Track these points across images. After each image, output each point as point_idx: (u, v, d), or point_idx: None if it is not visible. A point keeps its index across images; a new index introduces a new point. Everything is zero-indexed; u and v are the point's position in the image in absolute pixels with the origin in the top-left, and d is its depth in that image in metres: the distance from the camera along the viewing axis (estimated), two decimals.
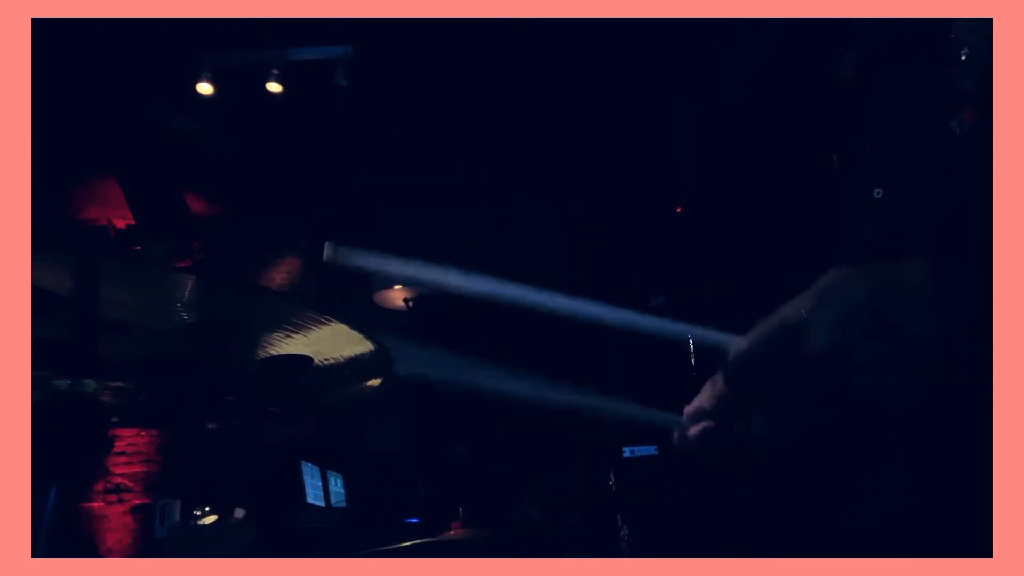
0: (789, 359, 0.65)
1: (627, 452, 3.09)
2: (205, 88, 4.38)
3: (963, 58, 0.75)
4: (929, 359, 0.61)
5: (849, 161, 0.90)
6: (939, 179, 0.77)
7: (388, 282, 4.24)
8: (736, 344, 0.69)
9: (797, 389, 0.69)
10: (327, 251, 0.64)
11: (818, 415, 0.71)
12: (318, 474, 3.97)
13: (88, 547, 4.36)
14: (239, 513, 3.88)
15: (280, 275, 5.29)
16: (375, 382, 1.10)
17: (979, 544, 0.60)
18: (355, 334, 0.98)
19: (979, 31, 0.75)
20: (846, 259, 0.88)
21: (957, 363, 0.61)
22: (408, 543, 2.37)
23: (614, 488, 2.87)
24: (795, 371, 0.66)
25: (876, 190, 0.84)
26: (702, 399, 0.80)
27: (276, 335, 0.99)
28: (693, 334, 0.73)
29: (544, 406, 0.81)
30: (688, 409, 0.81)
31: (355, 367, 1.05)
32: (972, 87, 0.74)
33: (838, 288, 0.65)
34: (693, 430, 0.79)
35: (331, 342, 1.00)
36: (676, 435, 0.81)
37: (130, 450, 4.78)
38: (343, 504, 4.18)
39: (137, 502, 4.72)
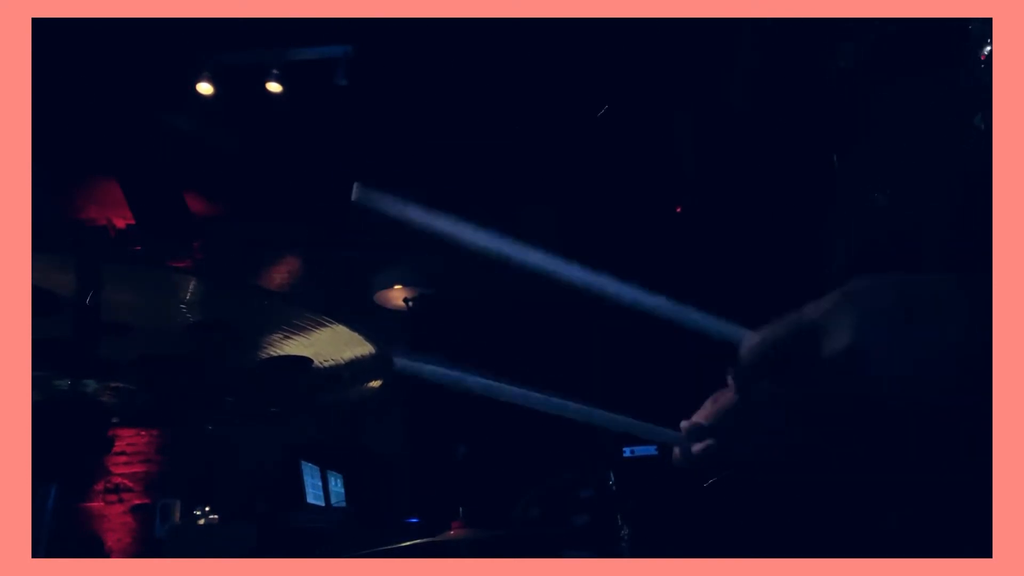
0: (804, 361, 0.62)
1: (627, 452, 3.09)
2: (205, 88, 4.38)
3: (983, 56, 0.74)
4: (954, 371, 0.60)
5: (850, 164, 0.89)
6: (955, 184, 0.75)
7: (388, 282, 4.23)
8: (749, 339, 0.65)
9: (808, 395, 0.66)
10: (356, 192, 0.63)
11: (826, 430, 0.69)
12: (318, 474, 3.98)
13: (88, 547, 4.36)
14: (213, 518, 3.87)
15: (280, 275, 5.29)
16: (375, 383, 1.10)
17: (979, 544, 0.60)
18: (355, 335, 0.98)
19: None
20: (843, 267, 0.88)
21: (981, 376, 0.59)
22: (408, 543, 2.37)
23: (614, 488, 2.87)
24: (809, 375, 0.63)
25: (879, 195, 0.83)
26: (701, 415, 0.79)
27: (276, 336, 0.99)
28: (704, 323, 0.69)
29: (540, 409, 0.80)
30: (685, 425, 0.79)
31: (355, 368, 1.05)
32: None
33: (866, 291, 0.63)
34: (697, 448, 0.77)
35: (331, 343, 1.00)
36: (676, 451, 0.80)
37: (130, 450, 4.78)
38: (343, 504, 4.18)
39: (137, 502, 4.72)
